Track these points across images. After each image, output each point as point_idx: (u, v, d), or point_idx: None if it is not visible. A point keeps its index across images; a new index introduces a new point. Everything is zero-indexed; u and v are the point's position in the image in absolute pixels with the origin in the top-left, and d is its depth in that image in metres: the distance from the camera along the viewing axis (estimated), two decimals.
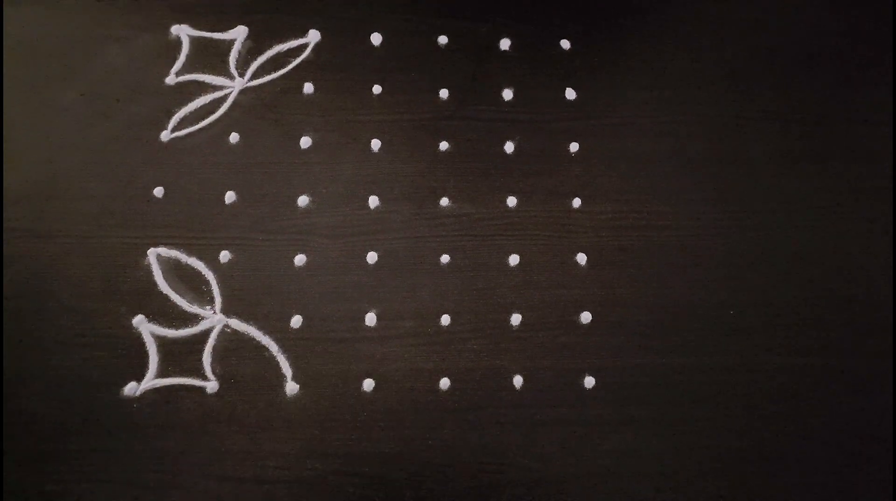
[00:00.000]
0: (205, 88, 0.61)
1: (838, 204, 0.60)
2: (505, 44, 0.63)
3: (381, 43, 0.63)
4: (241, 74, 0.61)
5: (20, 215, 0.57)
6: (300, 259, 0.57)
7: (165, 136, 0.59)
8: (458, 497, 0.52)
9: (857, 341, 0.57)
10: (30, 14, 0.62)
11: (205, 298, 0.55)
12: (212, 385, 0.53)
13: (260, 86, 0.61)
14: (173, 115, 0.60)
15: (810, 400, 0.55)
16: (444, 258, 0.57)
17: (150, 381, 0.53)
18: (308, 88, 0.61)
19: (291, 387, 0.53)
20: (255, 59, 0.62)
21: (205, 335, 0.54)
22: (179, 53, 0.62)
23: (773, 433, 0.54)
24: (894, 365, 0.56)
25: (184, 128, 0.60)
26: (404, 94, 0.61)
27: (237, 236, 0.57)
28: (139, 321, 0.54)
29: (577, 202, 0.59)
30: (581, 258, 0.58)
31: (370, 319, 0.56)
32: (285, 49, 0.62)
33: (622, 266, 0.58)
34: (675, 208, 0.59)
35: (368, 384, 0.54)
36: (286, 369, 0.54)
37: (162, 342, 0.54)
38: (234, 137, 0.60)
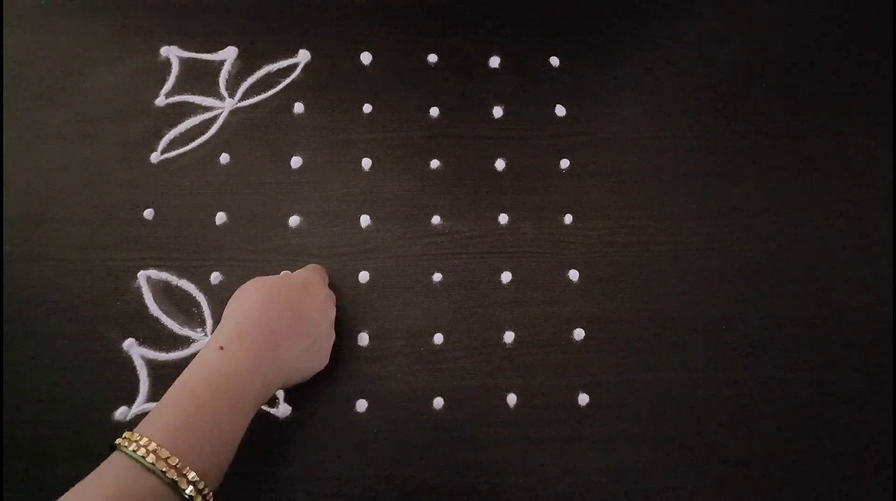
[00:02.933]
0: (195, 108, 0.61)
1: (832, 217, 0.60)
2: (494, 61, 0.63)
3: (371, 62, 0.63)
4: (231, 95, 0.61)
5: (8, 238, 0.56)
6: None
7: (155, 157, 0.59)
8: None
9: (855, 354, 0.57)
10: (17, 36, 0.62)
11: (196, 320, 0.55)
12: None
13: (250, 106, 0.61)
14: (163, 136, 0.60)
15: (808, 415, 0.55)
16: (437, 277, 0.57)
17: (141, 405, 0.52)
18: (298, 107, 0.61)
19: (284, 409, 0.53)
20: (245, 80, 0.62)
21: None
22: (169, 74, 0.62)
23: (769, 449, 0.54)
24: (894, 379, 0.56)
25: (174, 149, 0.60)
26: (394, 112, 0.62)
27: (228, 258, 0.57)
28: (129, 344, 0.54)
29: (568, 218, 0.59)
30: (573, 275, 0.58)
31: (362, 339, 0.55)
32: (275, 69, 0.62)
33: (614, 282, 0.58)
34: (666, 223, 0.59)
35: (361, 405, 0.54)
36: (279, 390, 0.53)
37: (153, 365, 0.53)
38: (224, 158, 0.59)
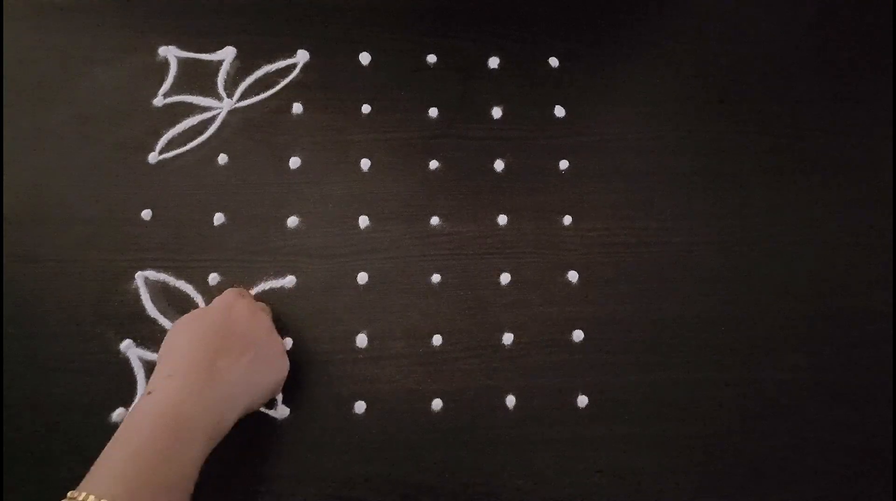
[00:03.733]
0: (193, 109, 0.61)
1: (832, 218, 0.60)
2: (493, 62, 0.63)
3: (370, 62, 0.63)
4: (230, 95, 0.61)
5: (6, 239, 0.56)
6: (290, 281, 0.56)
7: (153, 158, 0.59)
8: None
9: (855, 355, 0.56)
10: (15, 36, 0.62)
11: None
12: None
13: (248, 106, 0.61)
14: (161, 136, 0.60)
15: (808, 416, 0.55)
16: (436, 278, 0.57)
17: None
18: (297, 108, 0.61)
19: (282, 410, 0.53)
20: (244, 80, 0.62)
21: None
22: (167, 75, 0.61)
23: (769, 450, 0.54)
24: (894, 379, 0.56)
25: (172, 149, 0.59)
26: (393, 113, 0.61)
27: (226, 258, 0.57)
28: (127, 345, 0.54)
29: (567, 220, 0.59)
30: (572, 276, 0.57)
31: (361, 340, 0.55)
32: (274, 69, 0.62)
33: (614, 283, 0.57)
34: (665, 224, 0.59)
35: (360, 406, 0.53)
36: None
37: (150, 366, 0.53)
38: (222, 159, 0.59)
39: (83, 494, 0.37)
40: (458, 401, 0.54)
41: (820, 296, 0.58)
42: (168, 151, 0.59)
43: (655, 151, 0.61)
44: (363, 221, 0.58)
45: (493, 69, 0.63)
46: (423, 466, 0.52)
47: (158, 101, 0.61)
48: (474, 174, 0.60)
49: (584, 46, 0.64)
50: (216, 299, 0.52)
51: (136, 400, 0.52)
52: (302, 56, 0.63)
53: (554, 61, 0.64)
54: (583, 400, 0.54)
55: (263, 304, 0.54)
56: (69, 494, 0.37)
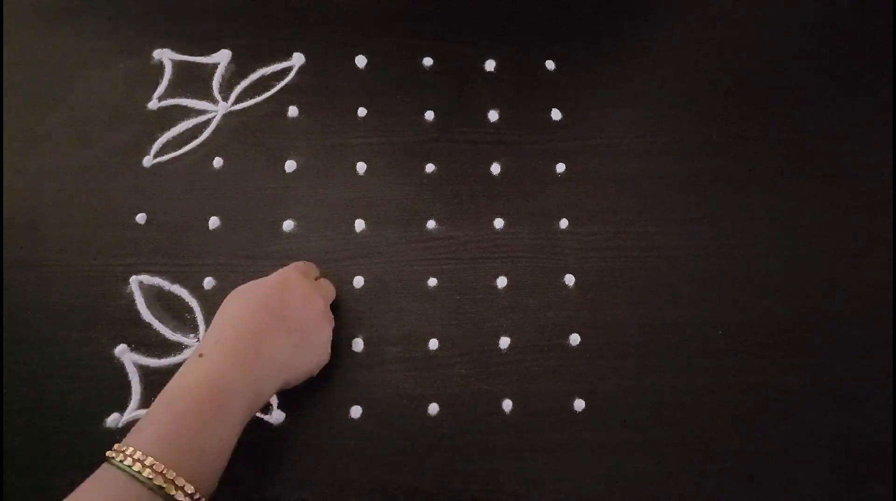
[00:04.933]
0: (188, 112, 0.60)
1: (831, 221, 0.60)
2: (490, 65, 0.63)
3: (366, 66, 0.63)
4: (225, 98, 0.61)
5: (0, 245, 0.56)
6: None
7: (148, 161, 0.59)
8: None
9: (854, 359, 0.56)
10: (10, 40, 0.61)
11: (188, 326, 0.54)
12: None
13: (244, 110, 0.61)
14: (156, 140, 0.59)
15: (806, 420, 0.55)
16: (432, 282, 0.57)
17: (133, 412, 0.52)
18: (293, 111, 0.61)
19: (278, 415, 0.52)
20: (239, 83, 0.61)
21: None
22: (162, 78, 0.61)
23: (768, 454, 0.54)
24: (894, 383, 0.55)
25: (167, 153, 0.59)
26: (390, 116, 0.61)
27: (221, 263, 0.56)
28: (121, 350, 0.53)
29: (564, 223, 0.59)
30: (569, 280, 0.57)
31: (357, 344, 0.55)
32: (269, 72, 0.62)
33: (610, 287, 0.57)
34: (662, 228, 0.59)
35: (356, 411, 0.53)
36: (272, 397, 0.53)
37: (145, 371, 0.53)
38: (217, 162, 0.59)
39: (130, 448, 0.38)
40: (455, 406, 0.54)
41: (819, 300, 0.58)
42: (163, 155, 0.59)
43: (653, 154, 0.61)
44: (359, 224, 0.58)
45: (490, 72, 0.63)
46: (420, 471, 0.52)
47: (153, 104, 0.60)
48: (470, 178, 0.60)
49: (580, 49, 0.64)
50: (278, 272, 0.52)
51: (134, 402, 0.52)
52: (297, 59, 0.63)
53: (550, 64, 0.64)
54: (580, 404, 0.54)
55: (326, 284, 0.54)
56: (115, 446, 0.38)
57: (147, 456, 0.37)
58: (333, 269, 0.57)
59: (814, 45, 0.66)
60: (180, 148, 0.59)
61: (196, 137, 0.60)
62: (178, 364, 0.52)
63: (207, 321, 0.54)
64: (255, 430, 0.52)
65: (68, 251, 0.56)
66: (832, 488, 0.53)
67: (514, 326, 0.56)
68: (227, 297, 0.49)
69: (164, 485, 0.37)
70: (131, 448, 0.38)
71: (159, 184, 0.58)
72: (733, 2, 0.67)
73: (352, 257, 0.57)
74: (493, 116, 0.62)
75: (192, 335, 0.54)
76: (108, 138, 0.59)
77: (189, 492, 0.38)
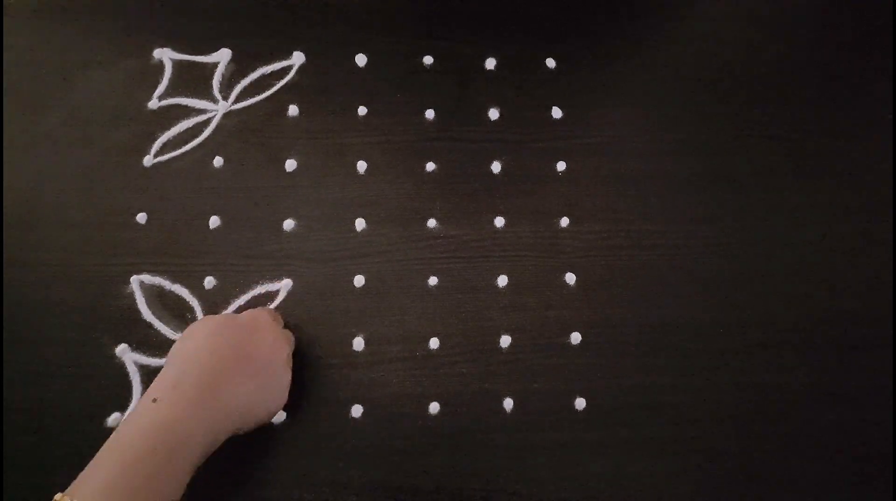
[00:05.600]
0: (188, 111, 0.60)
1: (830, 221, 0.60)
2: (490, 63, 0.63)
3: (366, 64, 0.63)
4: (225, 98, 0.61)
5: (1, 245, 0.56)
6: (286, 284, 0.56)
7: (148, 161, 0.59)
8: None
9: (854, 358, 0.56)
10: (10, 39, 0.61)
11: (189, 325, 0.54)
12: None
13: (244, 109, 0.61)
14: (156, 139, 0.59)
15: (807, 419, 0.55)
16: (432, 280, 0.57)
17: None
18: (293, 110, 0.61)
19: (278, 415, 0.52)
20: (239, 82, 0.61)
21: None
22: (162, 77, 0.61)
23: (768, 454, 0.54)
24: (894, 383, 0.55)
25: (167, 152, 0.59)
26: (390, 115, 0.61)
27: (222, 262, 0.56)
28: (122, 350, 0.53)
29: (565, 222, 0.59)
30: (570, 278, 0.57)
31: (357, 343, 0.55)
32: (269, 71, 0.62)
33: (611, 286, 0.57)
34: (663, 226, 0.59)
35: (356, 410, 0.53)
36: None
37: (146, 371, 0.53)
38: (218, 161, 0.59)
39: (68, 499, 0.36)
40: (456, 405, 0.54)
41: (819, 299, 0.58)
42: (163, 154, 0.59)
43: (653, 153, 0.61)
44: (359, 223, 0.58)
45: (490, 71, 0.63)
46: (420, 470, 0.52)
47: (153, 103, 0.60)
48: (471, 177, 0.60)
49: (581, 48, 0.64)
50: (246, 314, 0.51)
51: (135, 402, 0.52)
52: (297, 58, 0.62)
53: (551, 63, 0.63)
54: (580, 403, 0.54)
55: (290, 334, 0.53)
56: (56, 496, 0.37)
57: None
58: (334, 268, 0.57)
59: (814, 45, 0.66)
60: (180, 147, 0.59)
61: (196, 137, 0.60)
62: None
63: None
64: (255, 430, 0.52)
65: (69, 251, 0.56)
66: (832, 488, 0.53)
67: (515, 325, 0.56)
68: (190, 328, 0.48)
69: None
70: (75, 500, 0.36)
71: (160, 183, 0.58)
72: (734, 2, 0.67)
73: (352, 256, 0.57)
74: (494, 114, 0.62)
75: None
76: (109, 138, 0.59)
77: None
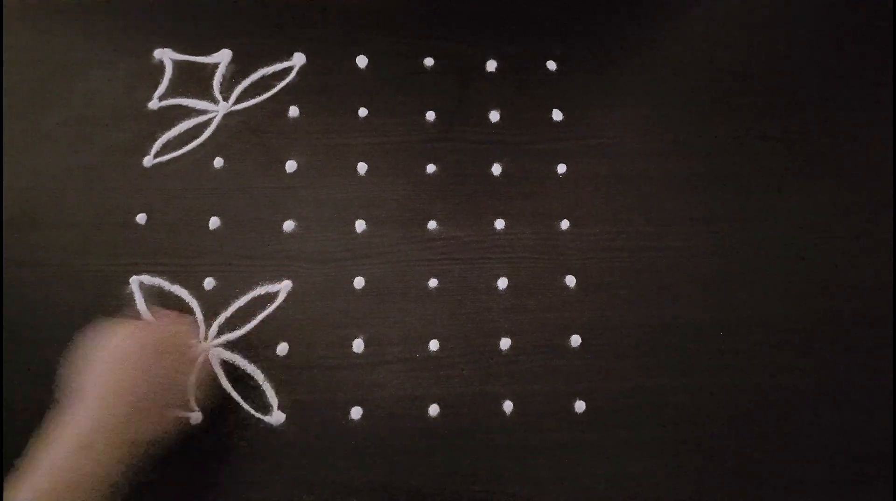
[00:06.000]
0: (188, 112, 0.60)
1: (831, 222, 0.60)
2: (491, 65, 0.63)
3: (367, 65, 0.63)
4: (226, 98, 0.61)
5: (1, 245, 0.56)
6: (286, 285, 0.56)
7: (148, 161, 0.59)
8: None
9: (854, 359, 0.56)
10: (10, 39, 0.61)
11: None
12: (196, 416, 0.52)
13: (244, 110, 0.61)
14: (156, 140, 0.59)
15: (807, 420, 0.55)
16: (433, 282, 0.57)
17: None
18: (293, 111, 0.61)
19: (278, 416, 0.52)
20: (240, 83, 0.61)
21: None
22: (163, 77, 0.61)
23: (768, 455, 0.54)
24: (894, 383, 0.55)
25: (167, 153, 0.59)
26: (390, 116, 0.61)
27: (222, 263, 0.56)
28: None
29: (565, 224, 0.59)
30: (570, 280, 0.57)
31: (357, 345, 0.55)
32: (270, 72, 0.62)
33: (611, 288, 0.57)
34: (663, 228, 0.59)
35: (356, 412, 0.53)
36: (272, 398, 0.53)
37: None
38: (218, 162, 0.59)
39: None
40: (456, 407, 0.54)
41: (819, 300, 0.58)
42: (163, 155, 0.59)
43: (654, 154, 0.61)
44: (360, 225, 0.58)
45: (491, 72, 0.63)
46: (420, 472, 0.52)
47: (154, 104, 0.60)
48: (472, 178, 0.60)
49: (582, 50, 0.64)
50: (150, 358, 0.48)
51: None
52: (298, 59, 0.62)
53: (552, 65, 0.63)
54: (580, 406, 0.54)
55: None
56: None
57: None
58: (334, 269, 0.57)
59: (814, 45, 0.66)
60: (181, 148, 0.59)
61: (196, 138, 0.60)
62: None
63: (207, 322, 0.54)
64: (256, 431, 0.52)
65: (69, 251, 0.56)
66: (832, 488, 0.53)
67: (515, 327, 0.56)
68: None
69: None
70: None
71: (160, 184, 0.58)
72: (734, 3, 0.67)
73: (352, 257, 0.57)
74: (494, 116, 0.62)
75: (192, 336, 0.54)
76: (109, 138, 0.59)
77: None
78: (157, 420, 0.47)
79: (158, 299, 0.55)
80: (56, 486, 0.41)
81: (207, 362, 0.53)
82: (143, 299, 0.55)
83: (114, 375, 0.46)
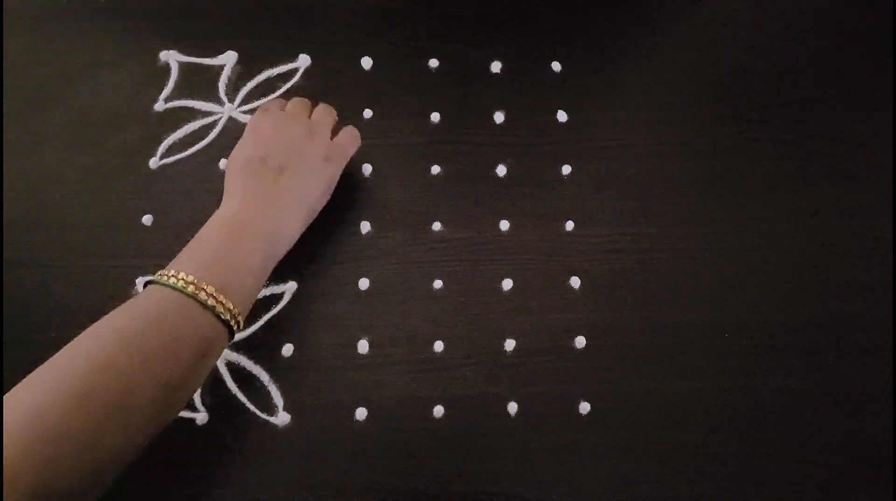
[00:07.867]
0: (194, 114, 0.61)
1: (833, 223, 0.60)
2: (496, 66, 0.63)
3: (372, 67, 0.63)
4: (231, 100, 0.61)
5: (5, 244, 0.56)
6: (291, 286, 0.56)
7: (154, 163, 0.59)
8: None
9: (856, 361, 0.56)
10: (15, 40, 0.62)
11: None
12: (202, 417, 0.52)
13: (250, 111, 0.61)
14: (162, 141, 0.59)
15: (810, 423, 0.54)
16: (437, 284, 0.57)
17: None
18: None
19: (283, 417, 0.52)
20: (245, 85, 0.62)
21: None
22: (168, 79, 0.61)
23: (772, 457, 0.54)
24: (894, 387, 0.55)
25: (173, 154, 0.59)
26: (395, 118, 0.61)
27: None
28: None
29: (570, 225, 0.59)
30: (575, 282, 0.57)
31: (362, 346, 0.55)
32: (275, 74, 0.62)
33: (616, 289, 0.57)
34: (669, 230, 0.59)
35: (361, 413, 0.53)
36: (277, 399, 0.53)
37: None
38: (224, 164, 0.59)
39: (174, 270, 0.43)
40: (460, 408, 0.54)
41: (820, 302, 0.57)
42: (169, 156, 0.59)
43: (658, 156, 0.61)
44: (364, 226, 0.58)
45: (496, 74, 0.63)
46: (424, 473, 0.52)
47: (159, 105, 0.60)
48: (476, 180, 0.60)
49: (586, 51, 0.64)
50: (249, 124, 0.55)
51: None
52: (303, 61, 0.63)
53: (556, 66, 0.63)
54: (585, 407, 0.54)
55: (324, 115, 0.57)
56: (159, 272, 0.44)
57: (190, 276, 0.43)
58: (338, 271, 0.57)
59: (814, 44, 0.66)
60: (186, 150, 0.59)
61: (202, 139, 0.60)
62: None
63: None
64: (259, 432, 0.52)
65: (74, 253, 0.56)
66: (833, 490, 0.53)
67: (520, 328, 0.56)
68: (227, 164, 0.53)
69: (213, 303, 0.42)
70: (181, 272, 0.43)
71: (165, 186, 0.58)
72: (737, 3, 0.67)
73: (357, 259, 0.57)
74: (499, 117, 0.62)
75: None
76: (114, 140, 0.59)
77: (229, 307, 0.43)
78: None
79: None
80: None
81: None
82: None
83: None
